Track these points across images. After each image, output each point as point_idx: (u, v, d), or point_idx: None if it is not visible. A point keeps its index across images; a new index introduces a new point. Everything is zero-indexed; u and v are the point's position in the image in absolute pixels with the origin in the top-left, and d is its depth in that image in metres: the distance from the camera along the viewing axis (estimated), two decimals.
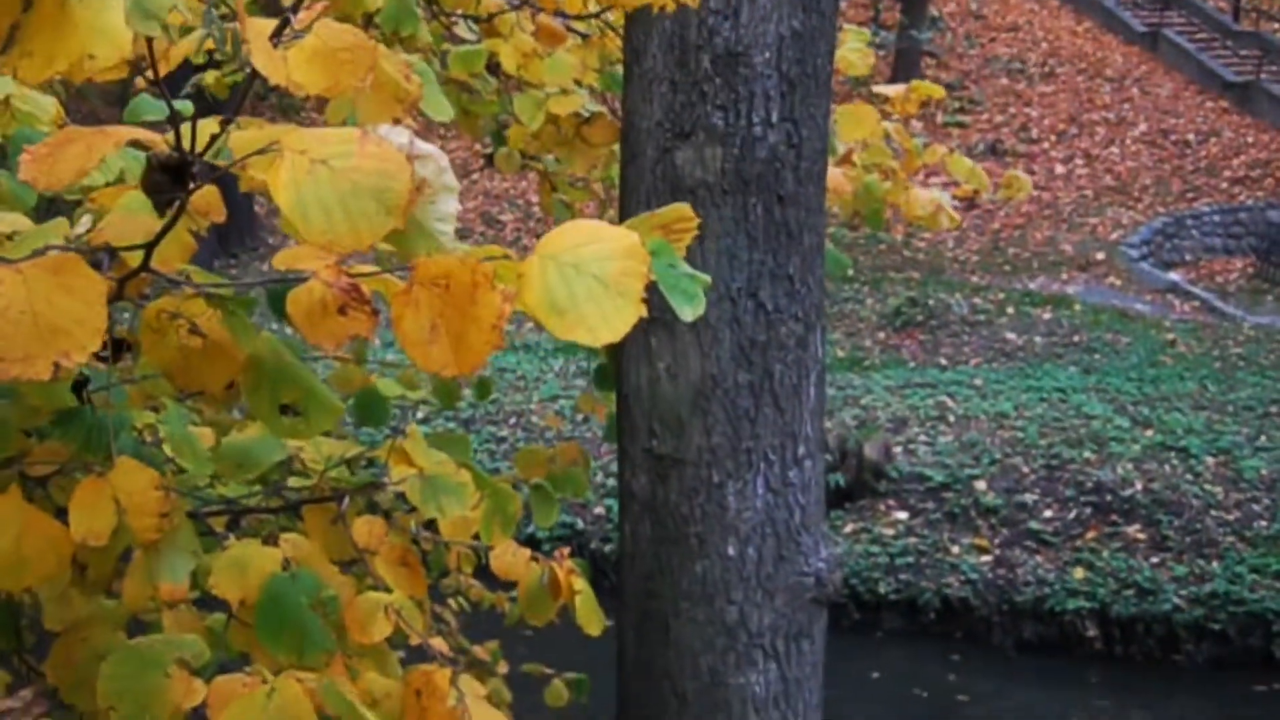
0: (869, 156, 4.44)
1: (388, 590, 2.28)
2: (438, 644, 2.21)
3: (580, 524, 11.29)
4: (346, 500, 2.52)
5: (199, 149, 1.56)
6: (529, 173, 4.24)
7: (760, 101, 3.03)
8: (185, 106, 1.67)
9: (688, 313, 1.60)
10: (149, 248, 1.69)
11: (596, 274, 1.50)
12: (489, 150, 4.26)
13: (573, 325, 1.48)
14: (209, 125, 1.60)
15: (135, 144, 1.55)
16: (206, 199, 1.95)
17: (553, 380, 14.09)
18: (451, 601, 4.67)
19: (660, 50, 3.04)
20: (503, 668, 4.44)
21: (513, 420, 13.03)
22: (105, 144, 1.47)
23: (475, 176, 23.07)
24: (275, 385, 2.01)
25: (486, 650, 4.47)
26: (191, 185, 1.58)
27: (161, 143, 1.53)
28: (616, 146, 3.47)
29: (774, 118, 3.04)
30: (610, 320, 1.48)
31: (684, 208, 1.77)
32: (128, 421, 2.18)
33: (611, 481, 9.81)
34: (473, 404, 13.10)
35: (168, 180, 1.55)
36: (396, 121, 1.88)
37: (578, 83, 3.53)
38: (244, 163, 1.51)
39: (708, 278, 1.66)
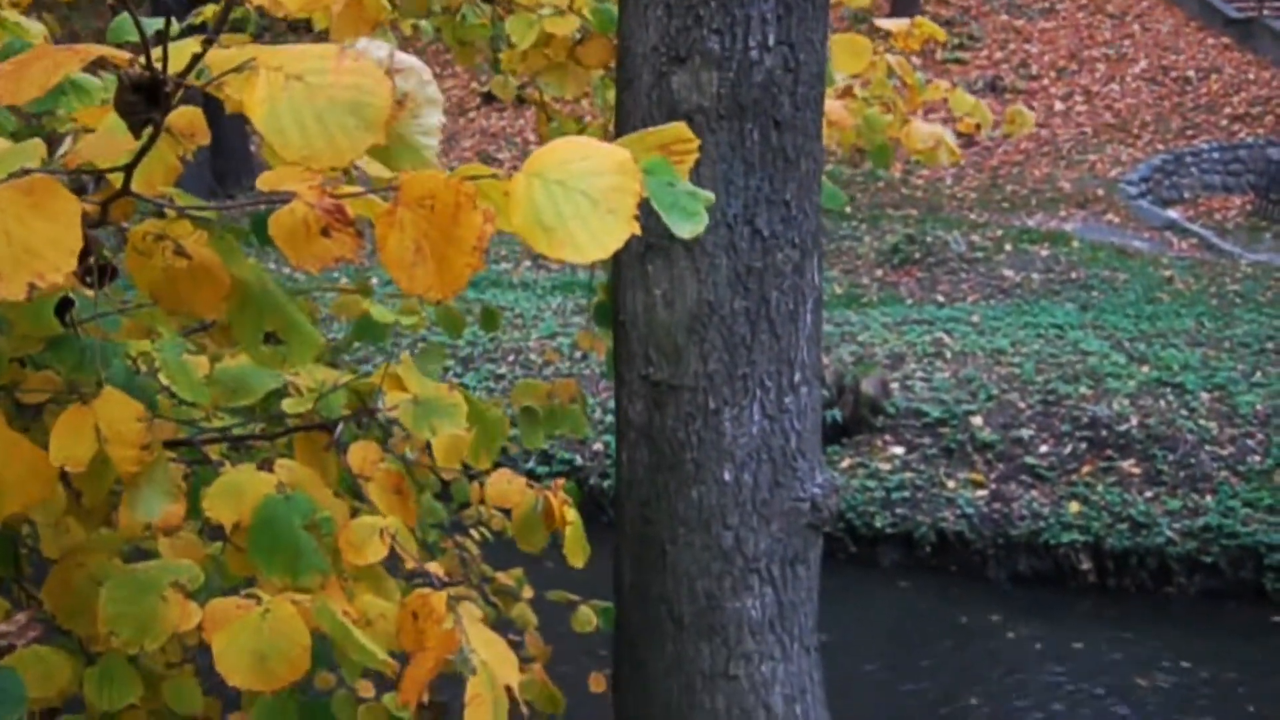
0: (871, 90, 4.43)
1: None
2: (434, 569, 2.23)
3: (579, 460, 11.33)
4: (340, 427, 2.53)
5: (181, 69, 1.54)
6: (526, 111, 4.23)
7: (757, 24, 3.01)
8: (155, 23, 1.65)
9: (685, 230, 1.60)
10: (128, 169, 1.68)
11: (585, 191, 1.49)
12: (486, 88, 4.23)
13: (560, 243, 1.48)
14: (190, 45, 1.60)
15: (104, 63, 1.53)
16: (189, 121, 1.94)
17: (551, 318, 14.09)
18: (474, 532, 4.72)
19: None
20: (528, 593, 4.48)
21: (511, 358, 13.04)
22: (72, 60, 1.45)
23: (472, 115, 22.95)
24: (260, 313, 2.02)
25: (511, 576, 4.51)
26: (167, 106, 1.57)
27: (133, 62, 1.51)
28: (610, 72, 3.45)
29: (771, 41, 3.03)
30: (599, 238, 1.47)
31: (683, 127, 1.76)
32: (120, 349, 2.19)
33: (610, 418, 9.84)
34: (471, 341, 13.11)
35: (141, 100, 1.53)
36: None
37: (572, 8, 3.50)
38: (220, 81, 1.50)
39: (710, 194, 1.65)
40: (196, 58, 1.57)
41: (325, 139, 1.41)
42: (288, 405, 2.57)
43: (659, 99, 3.04)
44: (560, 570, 4.76)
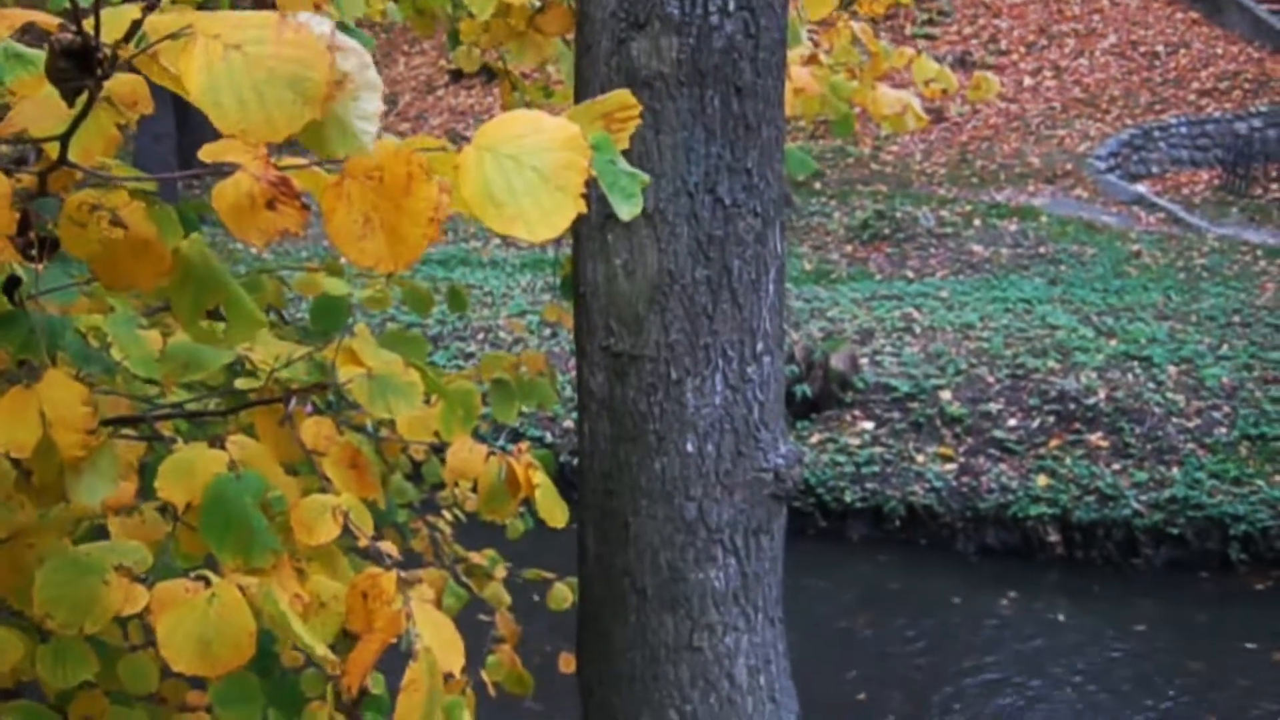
0: (835, 56, 4.41)
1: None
2: (388, 547, 2.20)
3: (549, 437, 11.32)
4: (294, 401, 2.49)
5: (120, 36, 1.50)
6: (495, 88, 4.18)
7: None
8: None
9: (625, 211, 1.58)
10: (64, 139, 1.65)
11: (536, 167, 1.46)
12: (453, 66, 4.20)
13: (511, 219, 1.45)
14: (131, 12, 1.56)
15: (31, 28, 1.49)
16: (131, 90, 1.90)
17: (520, 296, 14.07)
18: (446, 512, 4.69)
19: None
20: (501, 573, 4.45)
21: (480, 336, 13.02)
22: None
23: (440, 92, 22.84)
24: (200, 288, 1.98)
25: (484, 556, 4.49)
26: (101, 72, 1.53)
27: (63, 28, 1.47)
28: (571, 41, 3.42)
29: (730, 6, 2.99)
30: (549, 215, 1.45)
31: (626, 94, 1.74)
32: (70, 324, 2.15)
33: None
34: (440, 320, 13.08)
35: (73, 67, 1.49)
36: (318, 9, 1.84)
37: None
38: (155, 48, 1.46)
39: (647, 176, 1.63)
40: (136, 24, 1.53)
41: (263, 112, 1.37)
42: (241, 382, 2.54)
43: (618, 65, 3.00)
44: (531, 549, 4.75)
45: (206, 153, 1.66)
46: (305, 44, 1.39)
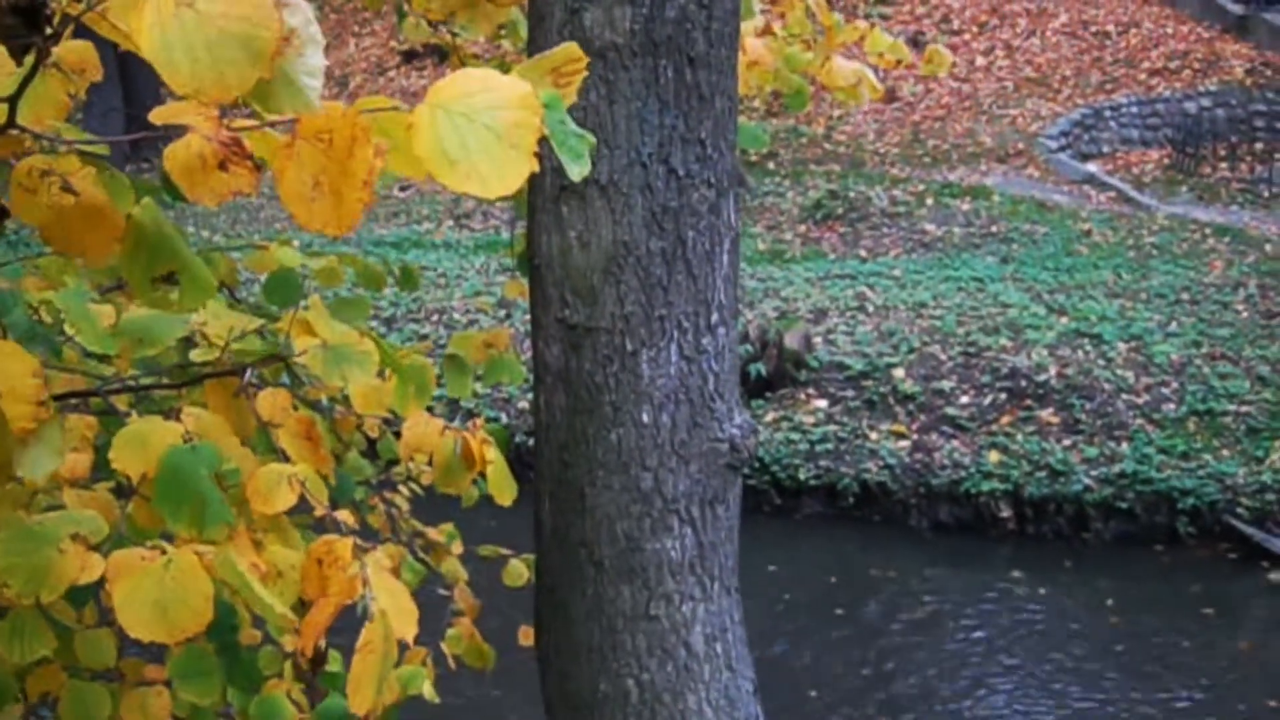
0: (789, 28, 4.41)
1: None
2: (344, 516, 2.21)
3: (505, 418, 11.31)
4: (249, 372, 2.49)
5: None
6: (446, 69, 4.16)
7: None
8: None
9: (575, 172, 1.59)
10: (12, 100, 1.64)
11: (489, 124, 1.47)
12: (405, 46, 4.17)
13: (465, 176, 1.46)
14: None
15: None
16: (80, 56, 1.89)
17: (475, 277, 14.03)
18: (403, 488, 4.68)
19: None
20: (458, 548, 4.45)
21: (435, 317, 12.98)
22: None
23: (391, 74, 22.70)
24: (153, 254, 1.97)
25: (441, 532, 4.48)
26: (51, 31, 1.52)
27: None
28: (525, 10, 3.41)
29: None
30: (503, 172, 1.46)
31: (574, 47, 1.74)
32: (20, 299, 2.14)
33: None
34: (394, 301, 13.03)
35: (21, 24, 1.49)
36: None
37: None
38: (105, 5, 1.46)
39: (593, 138, 1.64)
40: None
41: (214, 71, 1.37)
42: (196, 355, 2.52)
43: (571, 35, 3.00)
44: (493, 525, 4.75)
45: (158, 115, 1.65)
46: (255, 2, 1.39)
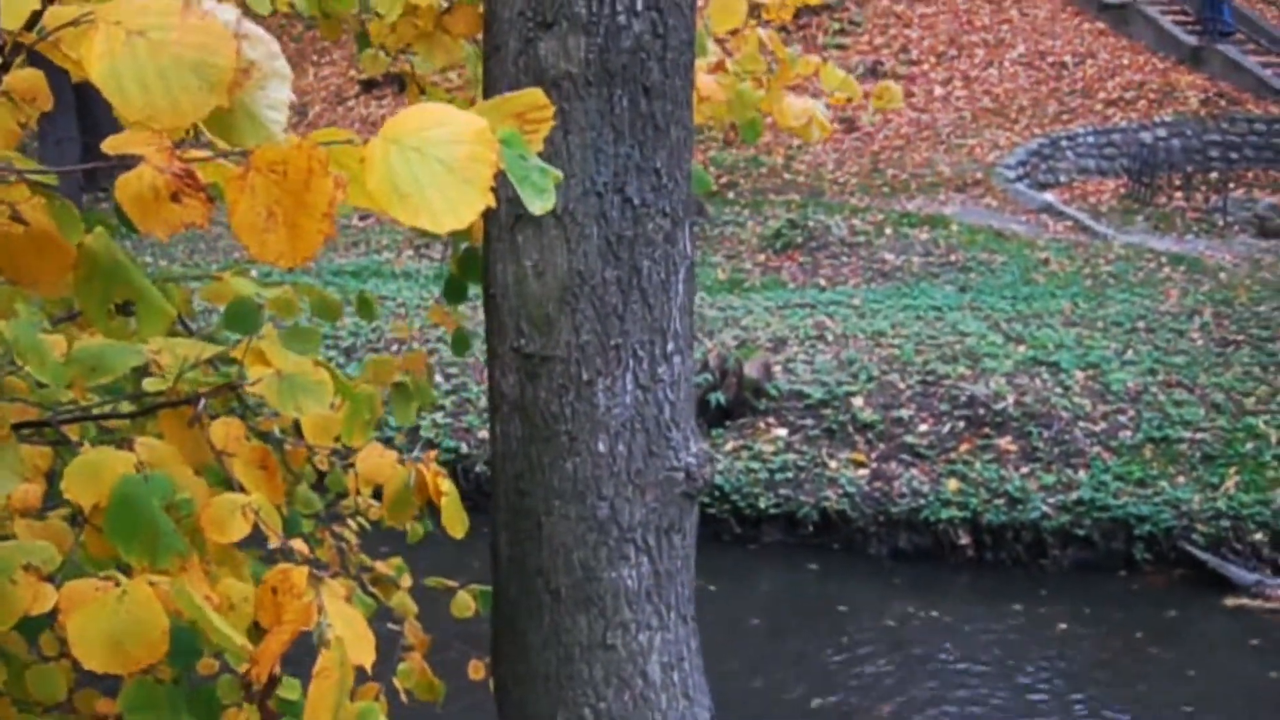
0: (743, 64, 4.43)
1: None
2: (299, 545, 2.19)
3: (465, 447, 11.28)
4: (203, 402, 2.47)
5: (19, 26, 1.49)
6: (406, 99, 4.16)
7: None
8: None
9: (537, 206, 1.59)
10: None
11: (442, 159, 1.47)
12: (364, 76, 4.16)
13: (416, 210, 1.46)
14: (30, 2, 1.54)
15: None
16: (31, 85, 1.89)
17: (435, 307, 14.00)
18: (351, 521, 4.66)
19: None
20: (407, 582, 4.44)
21: (395, 347, 12.93)
22: None
23: (351, 103, 22.69)
24: (107, 283, 1.96)
25: (390, 565, 4.46)
26: (1, 59, 1.51)
27: None
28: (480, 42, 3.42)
29: (639, 5, 3.01)
30: (455, 207, 1.46)
31: (538, 93, 1.75)
32: None
33: None
34: (354, 331, 12.99)
35: None
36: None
37: None
38: (57, 36, 1.45)
39: (559, 172, 1.65)
40: (37, 15, 1.52)
41: (168, 99, 1.37)
42: (149, 384, 2.51)
43: (526, 65, 3.01)
44: (442, 557, 4.73)
45: (110, 144, 1.65)
46: (210, 30, 1.39)
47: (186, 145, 1.63)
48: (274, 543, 2.17)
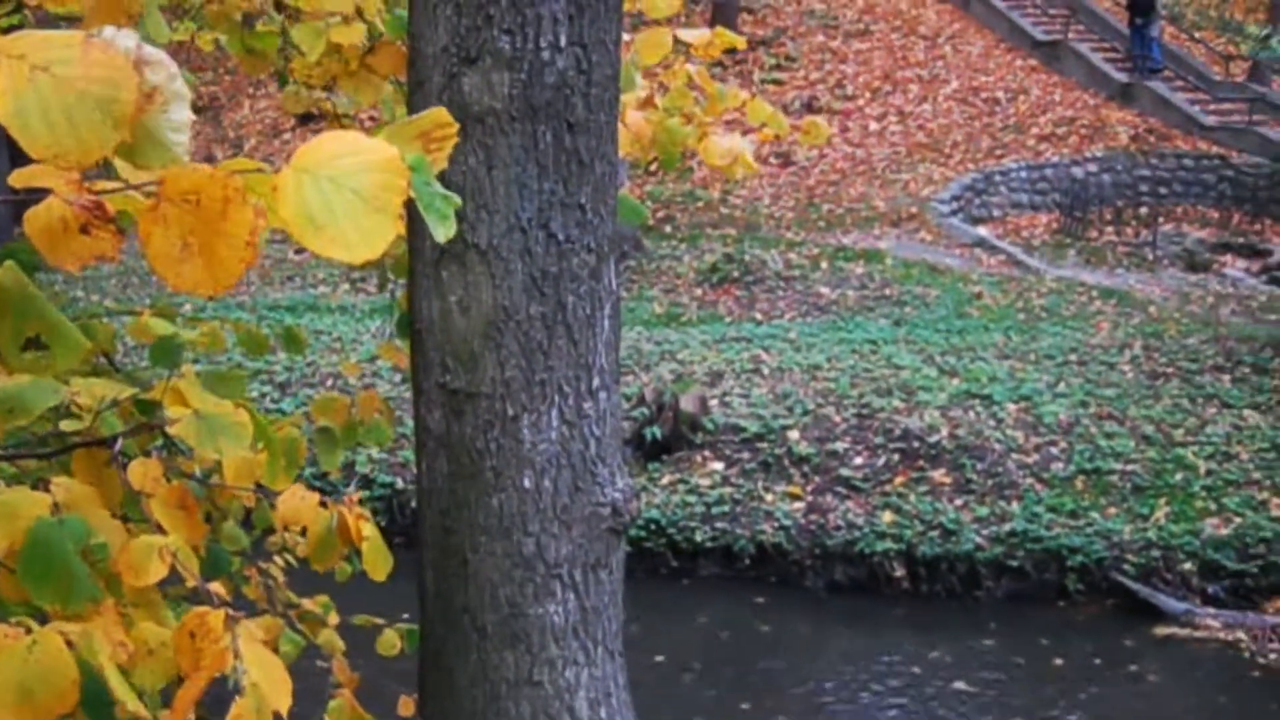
0: (670, 100, 4.45)
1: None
2: (216, 588, 2.17)
3: (400, 483, 11.20)
4: (119, 442, 2.45)
5: None
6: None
7: (548, 24, 3.00)
8: None
9: (440, 233, 1.59)
10: None
11: (355, 188, 1.47)
12: (302, 109, 4.14)
13: (330, 241, 1.45)
14: None
15: None
16: None
17: (369, 341, 13.93)
18: (278, 558, 4.62)
19: None
20: (334, 619, 4.40)
21: (329, 382, 12.85)
22: None
23: (287, 137, 22.59)
24: (19, 317, 1.95)
25: (317, 603, 4.42)
26: None
27: None
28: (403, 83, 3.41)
29: (562, 41, 3.02)
30: (369, 237, 1.45)
31: (442, 112, 1.75)
32: None
33: None
34: (289, 366, 12.89)
35: None
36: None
37: (361, 15, 3.44)
38: None
39: (458, 199, 1.65)
40: None
41: (74, 137, 1.35)
42: (66, 424, 2.48)
43: (450, 101, 3.01)
44: (378, 592, 4.68)
45: (18, 178, 1.63)
46: (113, 64, 1.38)
47: (95, 176, 1.62)
48: (191, 584, 2.14)
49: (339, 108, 3.93)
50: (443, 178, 1.83)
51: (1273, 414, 11.33)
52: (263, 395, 12.32)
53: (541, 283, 3.15)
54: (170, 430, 2.42)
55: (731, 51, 4.73)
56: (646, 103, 4.27)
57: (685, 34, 4.39)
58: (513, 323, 3.16)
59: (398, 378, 12.28)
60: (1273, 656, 9.05)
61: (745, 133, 4.76)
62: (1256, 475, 10.55)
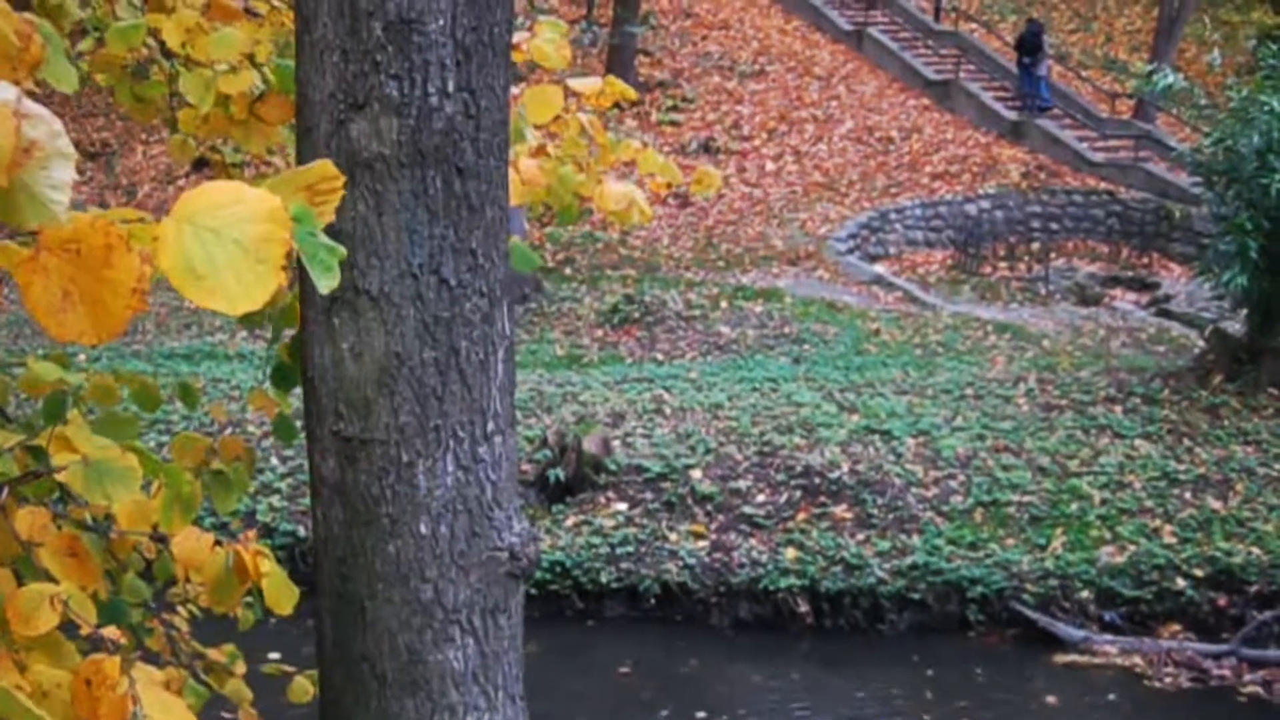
0: (563, 149, 4.46)
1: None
2: (111, 633, 2.14)
3: (302, 531, 11.07)
4: (4, 491, 2.41)
5: None
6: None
7: (435, 70, 3.00)
8: None
9: (324, 284, 1.59)
10: None
11: (237, 239, 1.46)
12: (196, 154, 4.09)
13: (211, 292, 1.45)
14: None
15: None
16: None
17: (269, 389, 13.76)
18: (181, 609, 4.54)
19: (330, 17, 2.98)
20: (241, 668, 4.33)
21: (229, 430, 12.68)
22: None
23: (182, 182, 22.34)
24: None
25: (223, 652, 4.36)
26: None
27: None
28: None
29: (450, 87, 3.02)
30: (250, 288, 1.45)
31: (328, 164, 1.75)
32: None
33: None
34: (186, 416, 12.70)
35: None
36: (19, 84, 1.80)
37: (252, 62, 3.42)
38: None
39: (343, 249, 1.65)
40: None
41: None
42: None
43: (338, 147, 3.00)
44: (286, 641, 4.63)
45: None
46: None
47: None
48: (85, 631, 2.12)
49: (227, 157, 3.90)
50: (332, 224, 1.82)
51: (1163, 443, 11.57)
52: (160, 446, 12.13)
53: (434, 328, 3.15)
54: (58, 477, 2.39)
55: None
56: (539, 151, 4.28)
57: (577, 84, 4.41)
58: (406, 369, 3.15)
59: (298, 423, 12.15)
60: (1168, 680, 9.22)
61: (640, 183, 4.79)
62: (1149, 503, 10.77)
